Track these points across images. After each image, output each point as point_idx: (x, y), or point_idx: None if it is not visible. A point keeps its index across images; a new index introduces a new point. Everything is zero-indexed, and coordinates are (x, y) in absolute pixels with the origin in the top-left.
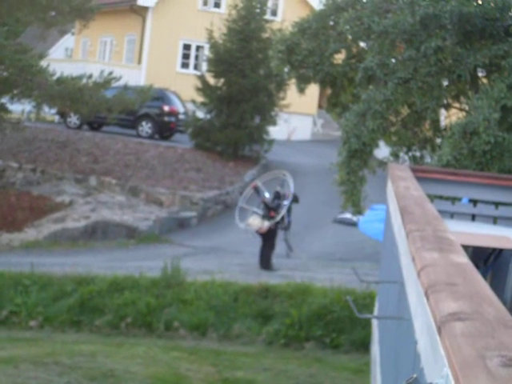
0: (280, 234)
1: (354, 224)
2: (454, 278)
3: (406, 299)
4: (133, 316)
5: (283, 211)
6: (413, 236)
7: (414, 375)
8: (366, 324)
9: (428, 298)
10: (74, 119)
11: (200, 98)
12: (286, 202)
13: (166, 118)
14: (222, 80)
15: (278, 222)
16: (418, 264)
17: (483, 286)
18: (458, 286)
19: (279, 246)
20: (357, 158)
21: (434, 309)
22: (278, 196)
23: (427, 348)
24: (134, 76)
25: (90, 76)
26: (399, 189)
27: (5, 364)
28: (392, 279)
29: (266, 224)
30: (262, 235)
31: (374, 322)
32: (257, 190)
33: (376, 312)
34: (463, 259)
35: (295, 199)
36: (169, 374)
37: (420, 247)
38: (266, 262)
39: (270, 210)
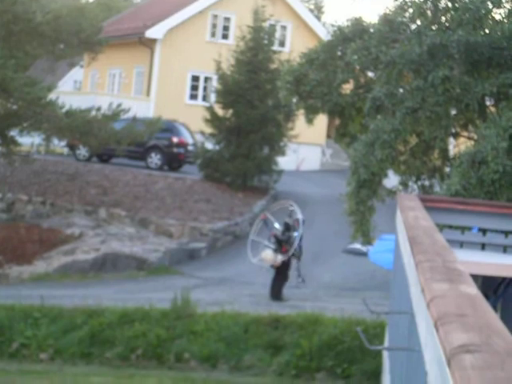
0: (293, 263)
1: (363, 254)
2: (463, 309)
3: (416, 330)
4: (143, 348)
5: (295, 244)
6: (422, 267)
7: None
8: (377, 354)
9: (438, 330)
10: (83, 151)
11: (209, 129)
12: (296, 233)
13: (175, 150)
14: (230, 111)
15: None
16: (428, 295)
17: (493, 317)
18: (467, 318)
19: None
20: (366, 188)
21: (444, 340)
22: (288, 227)
23: (437, 380)
24: (142, 108)
25: (99, 108)
26: (408, 219)
27: None
28: (402, 310)
29: (280, 258)
30: (275, 267)
31: (385, 353)
32: (266, 222)
33: (387, 342)
34: (472, 290)
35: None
36: None
37: (429, 278)
38: (276, 293)
39: (281, 245)
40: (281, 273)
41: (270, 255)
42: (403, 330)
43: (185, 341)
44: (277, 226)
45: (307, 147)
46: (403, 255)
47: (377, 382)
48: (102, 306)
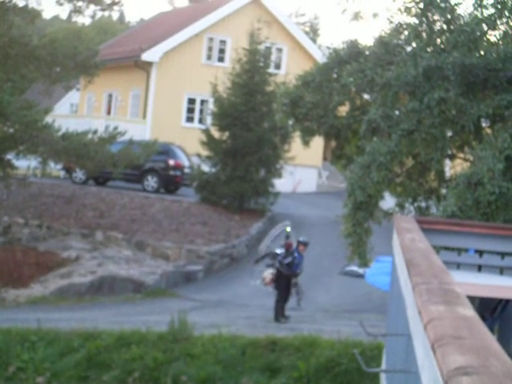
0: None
1: (360, 276)
2: (460, 331)
3: (414, 352)
4: (140, 371)
5: (300, 268)
6: (419, 289)
7: None
8: (375, 376)
9: (435, 352)
10: (79, 174)
11: (205, 152)
12: (296, 255)
13: (172, 172)
14: (226, 133)
15: (295, 274)
16: (425, 317)
17: (490, 339)
18: (464, 340)
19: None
20: (362, 210)
21: (441, 363)
22: (287, 249)
23: None
24: (139, 130)
25: (96, 131)
26: (405, 241)
27: None
28: (399, 332)
29: (270, 272)
30: (276, 287)
31: (383, 375)
32: (268, 255)
33: (384, 364)
34: (469, 312)
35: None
36: None
37: (426, 300)
38: (277, 314)
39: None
40: (281, 293)
41: (269, 275)
42: (400, 352)
43: (182, 364)
44: (278, 251)
45: (303, 169)
46: (400, 277)
47: None
48: (99, 329)
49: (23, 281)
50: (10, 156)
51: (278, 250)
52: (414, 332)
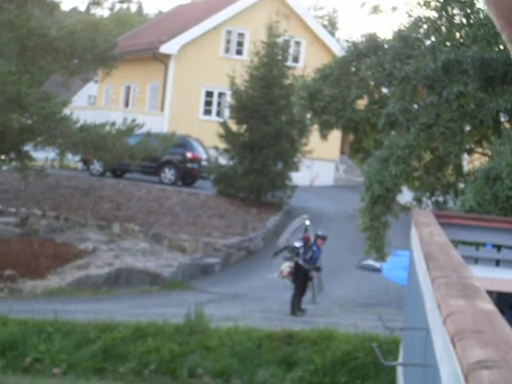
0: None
1: (377, 270)
2: (480, 325)
3: (432, 346)
4: (156, 363)
5: (318, 262)
6: (438, 283)
7: None
8: (391, 370)
9: (455, 346)
10: (97, 166)
11: (222, 145)
12: (315, 248)
13: (189, 165)
14: (244, 126)
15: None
16: (444, 311)
17: (510, 333)
18: (484, 334)
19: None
20: (380, 204)
21: (461, 356)
22: (305, 242)
23: None
24: (156, 123)
25: (113, 123)
26: (423, 235)
27: None
28: (417, 326)
29: (287, 265)
30: (294, 280)
31: (400, 369)
32: (286, 248)
33: (401, 358)
34: (489, 306)
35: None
36: None
37: (445, 294)
38: (293, 307)
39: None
40: (298, 286)
41: (287, 268)
42: (418, 345)
43: (198, 356)
44: (296, 244)
45: (321, 163)
46: (418, 271)
47: None
48: (116, 321)
49: (40, 272)
50: (27, 147)
51: (297, 244)
52: (433, 326)
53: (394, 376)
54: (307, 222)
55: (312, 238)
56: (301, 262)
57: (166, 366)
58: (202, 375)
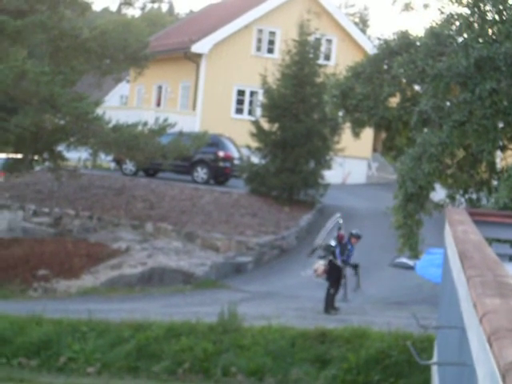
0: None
1: (410, 268)
2: None
3: (468, 345)
4: (190, 362)
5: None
6: (473, 282)
7: None
8: (425, 368)
9: (491, 345)
10: (129, 166)
11: (254, 143)
12: (349, 247)
13: (221, 164)
14: (276, 125)
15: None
16: (480, 310)
17: None
18: None
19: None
20: (413, 202)
21: (498, 356)
22: (340, 241)
23: None
24: (188, 122)
25: (146, 123)
26: (457, 233)
27: None
28: (452, 324)
29: (321, 263)
30: (328, 278)
31: (434, 368)
32: (320, 246)
33: (435, 357)
34: None
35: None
36: None
37: (481, 293)
38: (327, 305)
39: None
40: (332, 285)
41: (322, 266)
42: (453, 344)
43: (232, 355)
44: (331, 242)
45: (353, 161)
46: (452, 270)
47: None
48: (149, 320)
49: (74, 272)
50: (60, 148)
51: (332, 242)
52: (469, 325)
53: (429, 374)
54: (340, 221)
55: (345, 237)
56: (339, 262)
57: (199, 364)
58: (236, 374)
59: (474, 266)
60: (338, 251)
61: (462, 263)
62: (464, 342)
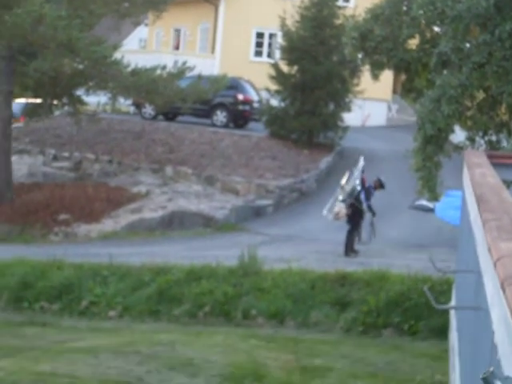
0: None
1: (430, 210)
2: None
3: (483, 289)
4: (210, 305)
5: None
6: (489, 225)
7: (491, 369)
8: (444, 311)
9: (504, 290)
10: (148, 110)
11: (274, 86)
12: (372, 191)
13: (241, 107)
14: (295, 67)
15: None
16: (495, 254)
17: None
18: None
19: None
20: (432, 144)
21: (511, 301)
22: (363, 184)
23: (504, 339)
24: (207, 65)
25: (164, 67)
26: (475, 176)
27: (85, 354)
28: (469, 268)
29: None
30: (349, 221)
31: (452, 310)
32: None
33: (453, 300)
34: None
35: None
36: (247, 362)
37: (496, 237)
38: (347, 247)
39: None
40: (353, 228)
41: (343, 209)
42: (470, 288)
43: (252, 298)
44: (357, 185)
45: (373, 103)
46: (470, 213)
47: (444, 338)
48: (170, 264)
49: (94, 216)
50: (79, 92)
51: (358, 187)
52: (484, 269)
53: (448, 317)
54: (362, 162)
55: (368, 181)
56: (364, 206)
57: (220, 307)
58: (256, 317)
59: (490, 209)
60: (363, 195)
61: (478, 207)
62: (480, 286)
